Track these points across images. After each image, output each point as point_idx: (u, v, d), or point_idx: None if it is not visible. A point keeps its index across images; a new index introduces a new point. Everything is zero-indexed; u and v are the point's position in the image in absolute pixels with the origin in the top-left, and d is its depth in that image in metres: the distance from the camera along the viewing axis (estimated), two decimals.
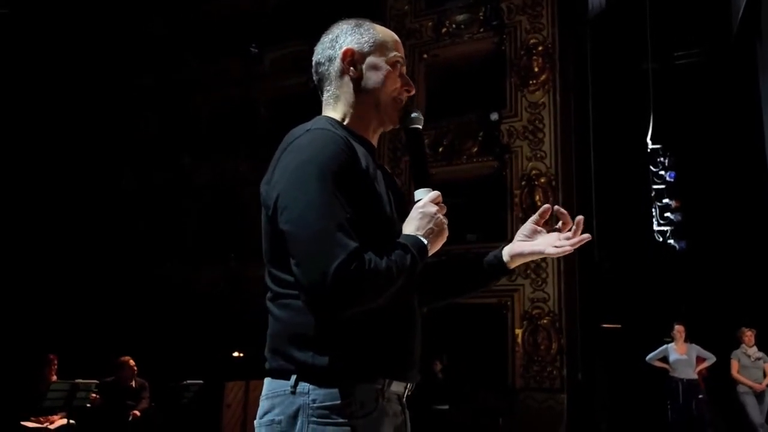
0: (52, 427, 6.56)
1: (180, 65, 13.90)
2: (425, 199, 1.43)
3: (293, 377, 1.31)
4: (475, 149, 11.29)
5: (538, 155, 10.86)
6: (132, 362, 6.96)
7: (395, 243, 1.35)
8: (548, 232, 1.63)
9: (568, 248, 1.56)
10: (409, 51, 12.39)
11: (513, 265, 1.64)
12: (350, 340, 1.31)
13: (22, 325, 10.45)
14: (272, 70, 13.42)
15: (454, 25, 11.90)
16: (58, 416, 6.64)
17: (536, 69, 11.10)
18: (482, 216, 11.08)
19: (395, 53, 1.54)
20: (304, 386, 1.30)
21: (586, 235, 1.57)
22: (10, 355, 9.16)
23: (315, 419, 1.28)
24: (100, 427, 6.59)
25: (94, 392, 6.59)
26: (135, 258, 13.01)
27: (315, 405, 1.28)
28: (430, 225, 1.40)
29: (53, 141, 12.35)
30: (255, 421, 1.39)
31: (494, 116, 10.78)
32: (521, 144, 11.01)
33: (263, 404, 1.37)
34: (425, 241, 1.38)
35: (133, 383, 6.96)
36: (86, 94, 12.92)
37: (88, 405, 6.56)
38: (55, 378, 7.02)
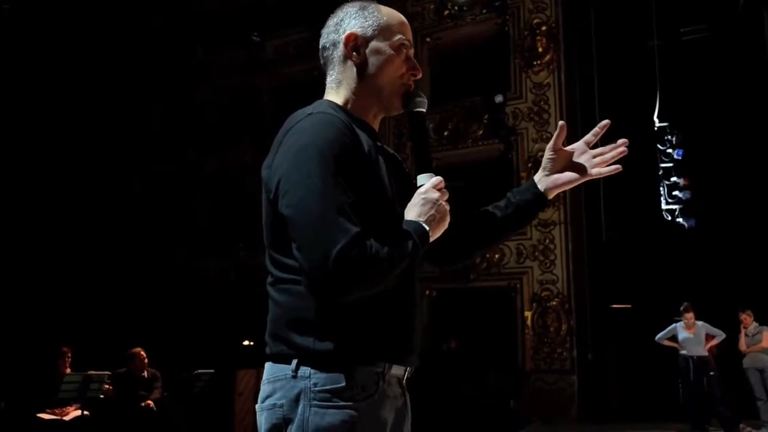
0: (66, 418, 6.63)
1: (183, 56, 13.87)
2: (427, 184, 1.41)
3: (294, 361, 1.31)
4: (481, 132, 11.23)
5: (544, 136, 10.78)
6: (143, 353, 7.01)
7: (397, 229, 1.34)
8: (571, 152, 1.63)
9: (612, 167, 1.57)
10: (412, 35, 12.30)
11: (551, 196, 1.64)
12: (351, 324, 1.30)
13: (35, 318, 10.55)
14: (275, 58, 13.37)
15: (456, 8, 11.79)
16: (73, 408, 6.71)
17: (540, 49, 11.00)
18: (489, 199, 10.98)
19: (400, 36, 1.51)
20: (305, 370, 1.30)
21: (622, 145, 1.58)
22: (24, 348, 9.26)
23: (317, 402, 1.28)
24: (114, 418, 6.66)
25: (107, 383, 6.65)
26: (145, 250, 13.08)
27: (316, 389, 1.29)
28: (432, 211, 1.38)
29: (61, 134, 12.37)
30: (257, 405, 1.40)
31: (499, 98, 10.70)
32: (527, 126, 10.94)
33: (264, 388, 1.37)
34: (427, 228, 1.36)
35: (145, 374, 7.02)
36: (91, 87, 12.91)
37: (102, 396, 6.61)
38: (68, 370, 7.08)
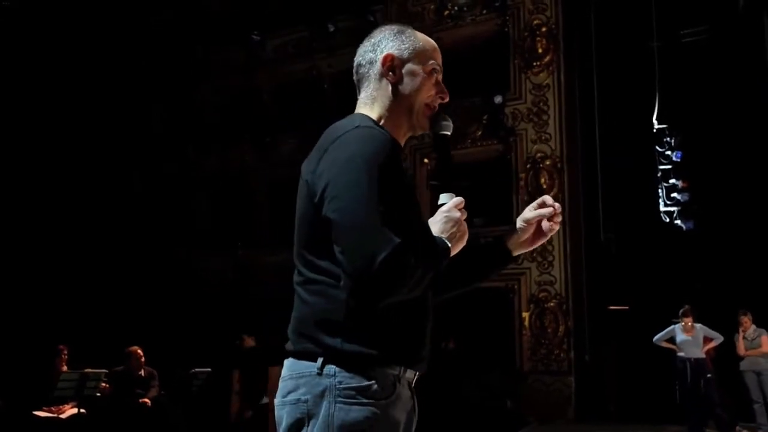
0: (63, 416, 6.63)
1: (183, 55, 13.85)
2: (450, 203, 1.51)
3: (320, 360, 1.38)
4: (480, 133, 11.22)
5: (543, 137, 10.78)
6: (140, 351, 7.00)
7: (426, 241, 1.44)
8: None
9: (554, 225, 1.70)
10: None
11: (512, 246, 1.74)
12: (375, 328, 1.39)
13: (32, 316, 10.54)
14: (275, 57, 13.36)
15: (456, 8, 11.78)
16: (69, 405, 6.71)
17: (540, 50, 10.99)
18: (488, 200, 11.04)
19: (433, 61, 1.63)
20: (330, 368, 1.37)
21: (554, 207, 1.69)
22: (21, 346, 9.25)
23: (342, 399, 1.35)
24: (111, 416, 6.65)
25: (103, 381, 6.65)
26: (143, 248, 13.06)
27: (341, 386, 1.36)
28: (454, 229, 1.48)
29: (61, 133, 12.36)
30: (276, 400, 1.46)
31: (498, 99, 10.70)
32: (526, 126, 10.93)
33: (287, 384, 1.43)
34: (449, 244, 1.46)
35: (142, 372, 7.01)
36: (91, 86, 12.89)
37: (98, 394, 6.61)
38: (65, 368, 7.08)
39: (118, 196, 13.35)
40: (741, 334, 7.79)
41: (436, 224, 1.48)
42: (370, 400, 1.36)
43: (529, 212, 1.70)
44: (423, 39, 1.65)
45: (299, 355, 1.42)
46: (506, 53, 11.34)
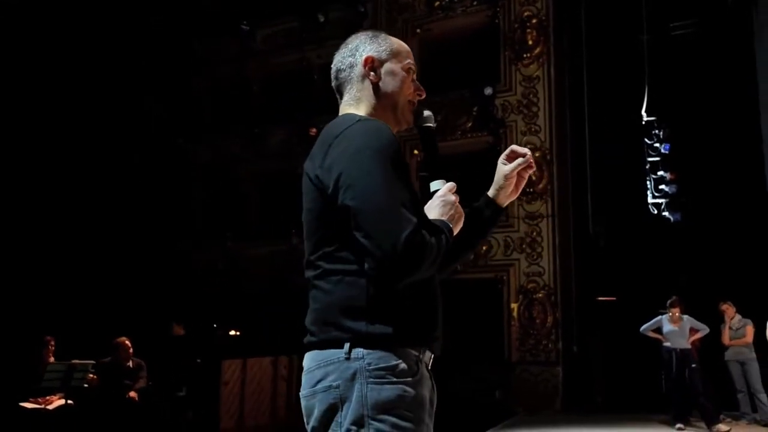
0: (50, 407, 6.60)
1: (173, 46, 13.72)
2: (444, 188, 1.60)
3: (347, 345, 1.43)
4: (470, 124, 11.22)
5: (533, 129, 10.80)
6: (128, 342, 6.97)
7: (431, 224, 1.51)
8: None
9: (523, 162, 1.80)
10: (401, 26, 12.24)
11: (501, 200, 1.86)
12: (397, 310, 1.45)
13: (18, 307, 10.46)
14: (264, 47, 13.27)
15: None
16: (56, 397, 6.68)
17: (530, 42, 10.99)
18: (478, 191, 11.03)
19: (408, 61, 1.73)
20: (358, 351, 1.42)
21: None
22: (7, 337, 9.18)
23: (373, 380, 1.40)
24: (98, 408, 6.63)
25: (91, 373, 6.61)
26: (131, 239, 12.98)
27: (371, 367, 1.41)
28: (452, 211, 1.57)
29: (51, 123, 12.23)
30: (304, 391, 1.49)
31: (488, 91, 10.69)
32: (516, 118, 10.94)
33: (314, 374, 1.47)
34: (451, 225, 1.55)
35: (130, 363, 6.98)
36: (82, 77, 12.74)
37: (86, 385, 6.58)
38: (52, 359, 7.04)
39: (107, 186, 13.25)
40: (727, 324, 7.87)
41: (434, 209, 1.56)
42: (400, 379, 1.42)
43: (506, 167, 1.82)
44: (397, 41, 1.74)
45: (324, 344, 1.46)
46: (496, 45, 11.33)
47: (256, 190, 13.02)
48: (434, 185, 1.61)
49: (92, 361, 6.70)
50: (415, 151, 11.54)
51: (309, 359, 1.50)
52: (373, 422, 1.39)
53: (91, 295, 11.45)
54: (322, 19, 12.05)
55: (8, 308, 10.31)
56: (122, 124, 13.58)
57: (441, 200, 1.57)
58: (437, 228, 1.48)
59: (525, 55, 11.01)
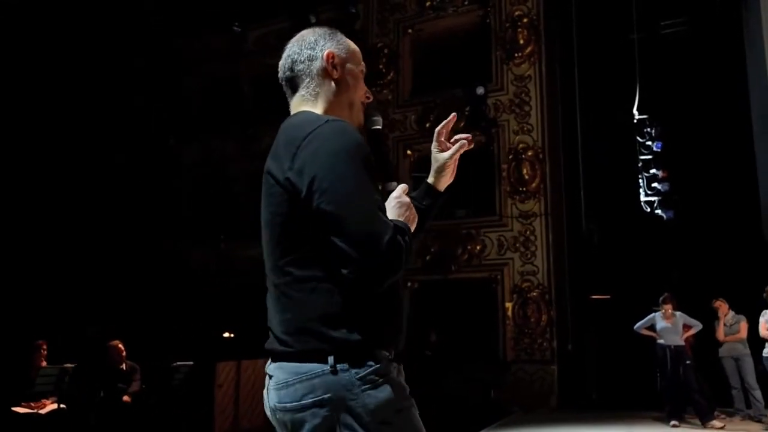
0: (43, 412, 6.54)
1: (165, 46, 13.68)
2: (398, 190, 1.59)
3: (330, 358, 1.41)
4: (462, 124, 11.18)
5: (525, 128, 10.82)
6: (121, 346, 6.93)
7: (397, 226, 1.50)
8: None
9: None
10: (393, 26, 12.25)
11: (441, 186, 1.87)
12: (372, 315, 1.45)
13: (10, 311, 10.38)
14: (256, 48, 13.24)
15: None
16: (49, 401, 6.62)
17: (521, 41, 11.01)
18: (470, 191, 11.06)
19: (363, 64, 1.73)
20: (343, 364, 1.41)
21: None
22: None
23: (365, 387, 1.41)
24: (92, 411, 6.58)
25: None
26: (123, 240, 12.91)
27: (359, 376, 1.41)
28: (408, 212, 1.56)
29: (41, 122, 12.14)
30: (288, 405, 1.44)
31: (480, 90, 10.69)
32: (508, 118, 10.96)
33: (296, 388, 1.43)
34: (409, 225, 1.54)
35: (124, 366, 6.94)
36: (73, 76, 12.67)
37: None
38: (44, 363, 6.98)
39: (99, 187, 13.17)
40: (722, 320, 7.88)
41: (392, 210, 1.54)
42: (386, 377, 1.44)
43: (443, 154, 1.84)
44: (352, 43, 1.74)
45: (303, 356, 1.43)
46: (488, 44, 11.35)
47: (249, 191, 12.98)
48: (390, 186, 1.62)
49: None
50: (408, 152, 11.56)
51: (283, 371, 1.46)
52: (382, 426, 1.41)
53: (83, 299, 11.38)
54: (313, 21, 12.01)
55: (0, 314, 10.23)
56: (114, 125, 13.51)
57: (397, 201, 1.56)
58: (402, 229, 1.46)
59: (516, 55, 11.03)
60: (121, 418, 6.53)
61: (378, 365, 1.43)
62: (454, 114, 1.85)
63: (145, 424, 6.70)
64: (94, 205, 12.84)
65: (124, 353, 6.95)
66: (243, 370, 7.89)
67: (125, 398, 6.66)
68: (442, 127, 1.83)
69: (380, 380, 1.43)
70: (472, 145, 1.85)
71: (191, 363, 7.39)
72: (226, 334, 11.08)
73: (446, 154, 1.83)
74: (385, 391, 1.43)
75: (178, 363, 7.27)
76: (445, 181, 1.87)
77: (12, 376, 6.93)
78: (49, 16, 12.25)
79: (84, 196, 12.69)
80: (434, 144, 1.85)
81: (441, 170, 1.85)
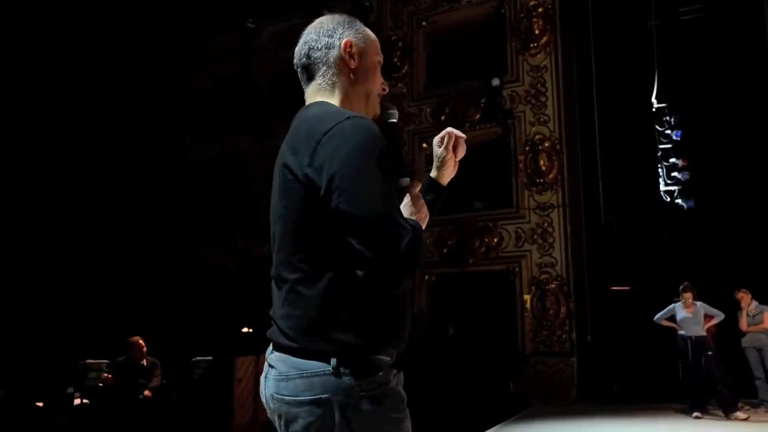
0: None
1: (179, 43, 13.76)
2: (415, 188, 1.60)
3: (333, 360, 1.41)
4: (478, 116, 11.16)
5: (542, 119, 10.73)
6: (142, 341, 7.00)
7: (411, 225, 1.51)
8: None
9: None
10: (407, 19, 12.19)
11: (444, 180, 1.85)
12: (381, 318, 1.46)
13: (32, 307, 10.54)
14: (270, 45, 13.27)
15: None
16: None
17: (537, 31, 10.91)
18: (488, 183, 11.00)
19: (380, 55, 1.69)
20: (345, 367, 1.41)
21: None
22: (23, 338, 9.26)
23: (365, 392, 1.41)
24: (113, 406, 6.66)
25: (105, 372, 6.65)
26: (144, 238, 13.05)
27: (360, 381, 1.41)
28: (421, 212, 1.56)
29: (55, 121, 12.29)
30: (285, 397, 1.46)
31: (496, 82, 10.62)
32: (524, 109, 10.87)
33: (296, 382, 1.43)
34: (421, 224, 1.53)
35: (144, 362, 7.01)
36: (85, 75, 12.80)
37: (101, 384, 6.61)
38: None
39: (117, 186, 13.31)
40: (744, 310, 7.79)
41: (406, 207, 1.55)
42: (386, 386, 1.44)
43: (439, 149, 1.81)
44: (371, 32, 1.71)
45: (305, 354, 1.43)
46: (503, 35, 11.26)
47: (266, 188, 13.02)
48: (403, 182, 1.59)
49: (106, 361, 6.73)
50: (424, 145, 11.51)
51: (285, 364, 1.46)
52: None
53: (105, 295, 11.53)
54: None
55: (22, 309, 10.40)
56: (129, 124, 13.63)
57: (411, 199, 1.57)
58: (417, 230, 1.45)
59: (532, 45, 10.93)
60: (142, 413, 6.60)
61: (379, 373, 1.43)
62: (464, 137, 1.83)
63: (166, 419, 6.77)
64: (115, 204, 12.98)
65: (145, 349, 7.02)
66: (262, 365, 7.92)
67: (146, 393, 6.73)
68: (452, 133, 1.80)
69: (379, 390, 1.43)
70: (463, 137, 1.81)
71: (211, 358, 7.45)
72: (245, 330, 11.16)
73: (441, 149, 1.81)
74: (381, 401, 1.43)
75: (198, 358, 7.34)
76: (448, 175, 1.85)
77: (35, 371, 7.03)
78: (65, 16, 12.36)
79: (106, 196, 12.84)
80: (436, 139, 1.83)
81: (442, 165, 1.83)
